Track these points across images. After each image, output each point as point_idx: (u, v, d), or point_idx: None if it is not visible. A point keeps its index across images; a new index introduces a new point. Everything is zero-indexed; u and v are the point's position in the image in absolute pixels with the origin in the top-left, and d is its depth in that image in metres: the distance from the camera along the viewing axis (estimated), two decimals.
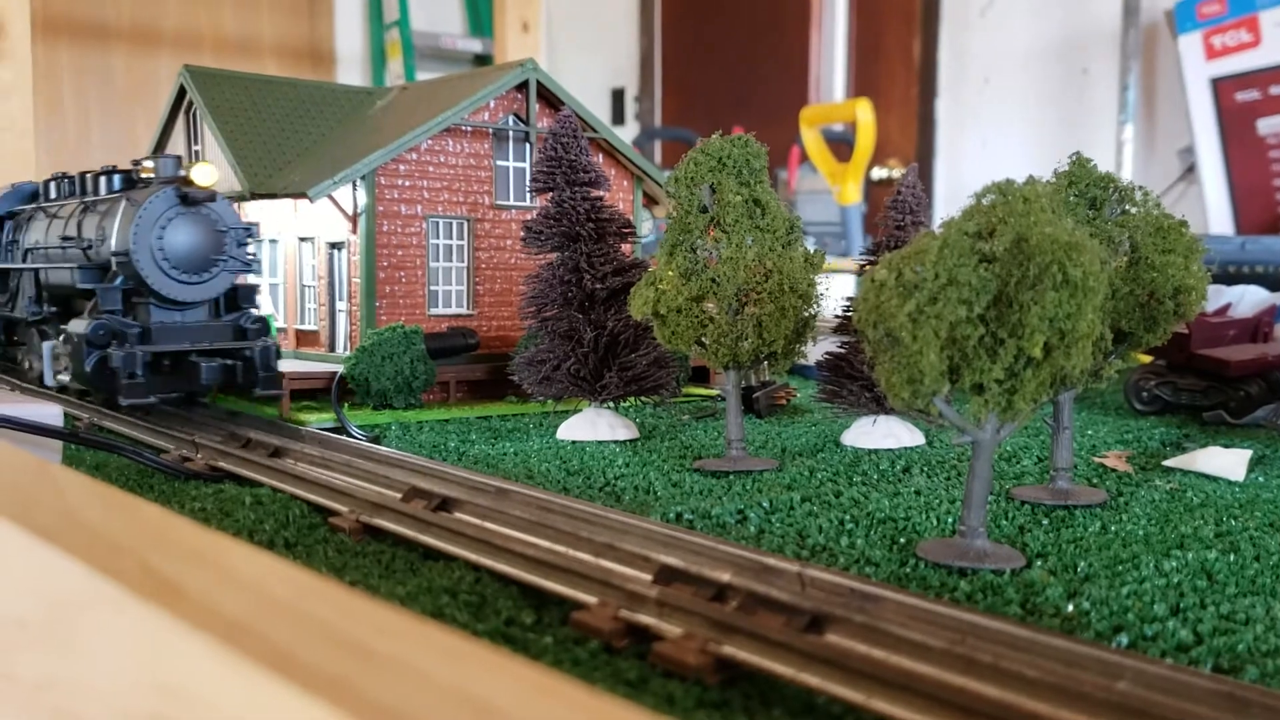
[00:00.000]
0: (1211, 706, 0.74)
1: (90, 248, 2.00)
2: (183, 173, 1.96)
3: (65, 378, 1.98)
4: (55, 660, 0.72)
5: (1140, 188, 1.44)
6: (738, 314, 1.60)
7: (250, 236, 2.01)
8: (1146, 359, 2.18)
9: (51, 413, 1.68)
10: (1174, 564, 1.15)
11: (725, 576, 0.97)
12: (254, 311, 2.04)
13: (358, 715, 0.49)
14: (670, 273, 1.64)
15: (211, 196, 1.95)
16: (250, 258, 2.02)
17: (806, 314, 1.60)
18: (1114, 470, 1.62)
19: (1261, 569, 1.15)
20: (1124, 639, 0.96)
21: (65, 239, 2.10)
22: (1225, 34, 3.87)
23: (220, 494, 1.45)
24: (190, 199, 1.93)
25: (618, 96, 6.83)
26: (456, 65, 6.82)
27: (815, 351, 1.81)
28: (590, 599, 1.00)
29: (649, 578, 1.01)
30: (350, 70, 6.95)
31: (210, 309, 2.01)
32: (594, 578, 1.02)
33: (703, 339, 1.63)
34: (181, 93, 2.56)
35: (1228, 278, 2.95)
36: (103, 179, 2.11)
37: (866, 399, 1.80)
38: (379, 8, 6.89)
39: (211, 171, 1.94)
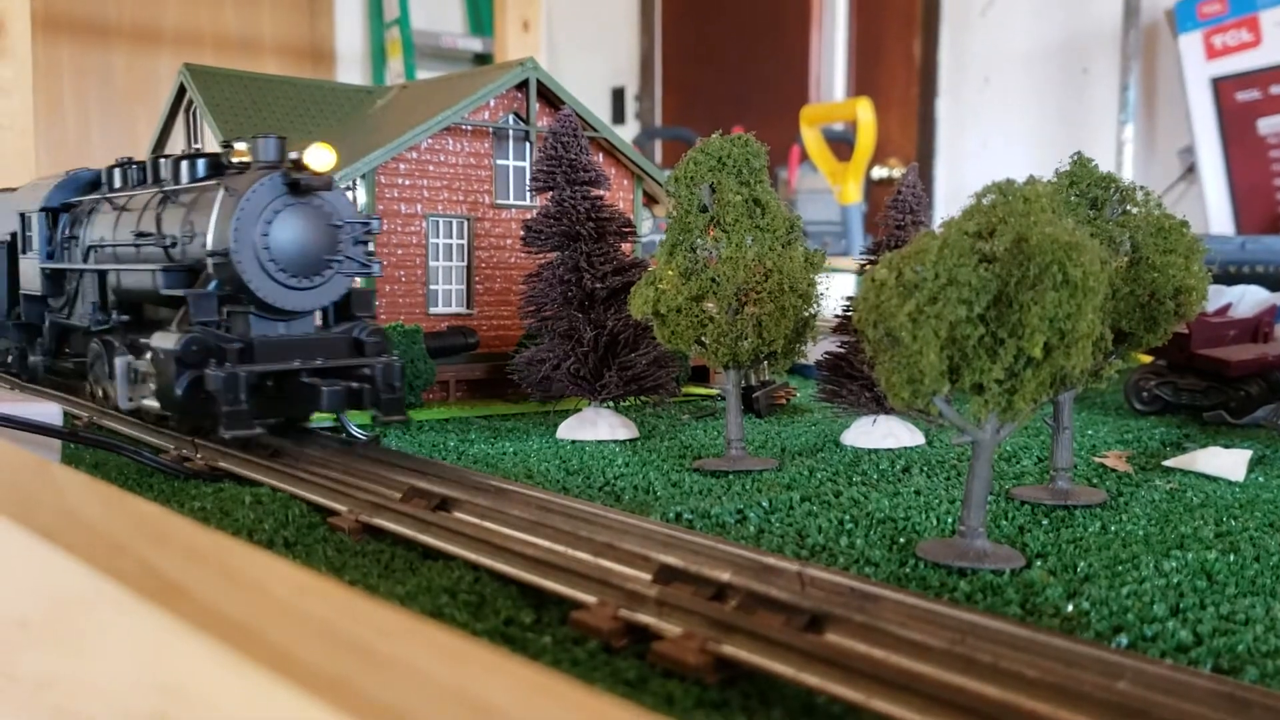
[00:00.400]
0: (1212, 707, 0.74)
1: (174, 245, 1.73)
2: (293, 155, 1.65)
3: (147, 401, 1.70)
4: (56, 659, 0.72)
5: (1141, 187, 1.44)
6: (737, 313, 1.60)
7: (369, 233, 1.73)
8: (1147, 359, 2.18)
9: (50, 411, 1.68)
10: (1174, 564, 1.15)
11: (725, 576, 0.97)
12: (370, 322, 1.74)
13: (357, 714, 0.49)
14: (670, 272, 1.64)
15: (327, 184, 1.66)
16: (369, 258, 1.74)
17: (806, 313, 1.60)
18: (1114, 470, 1.62)
19: (1261, 569, 1.15)
20: (1124, 639, 0.96)
21: (141, 235, 1.82)
22: (1226, 33, 3.87)
23: (220, 493, 1.45)
24: (301, 187, 1.63)
25: (618, 96, 6.83)
26: (457, 64, 6.82)
27: (815, 351, 1.80)
28: (590, 599, 1.00)
29: (648, 577, 1.01)
30: (350, 69, 6.95)
31: (318, 319, 1.72)
32: (593, 577, 1.02)
33: (702, 338, 1.63)
34: (181, 91, 2.56)
35: (1228, 278, 2.95)
36: (184, 164, 1.83)
37: (866, 399, 1.80)
38: (379, 6, 6.90)
39: (329, 154, 1.64)
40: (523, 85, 2.34)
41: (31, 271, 2.28)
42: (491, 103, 2.31)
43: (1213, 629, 0.98)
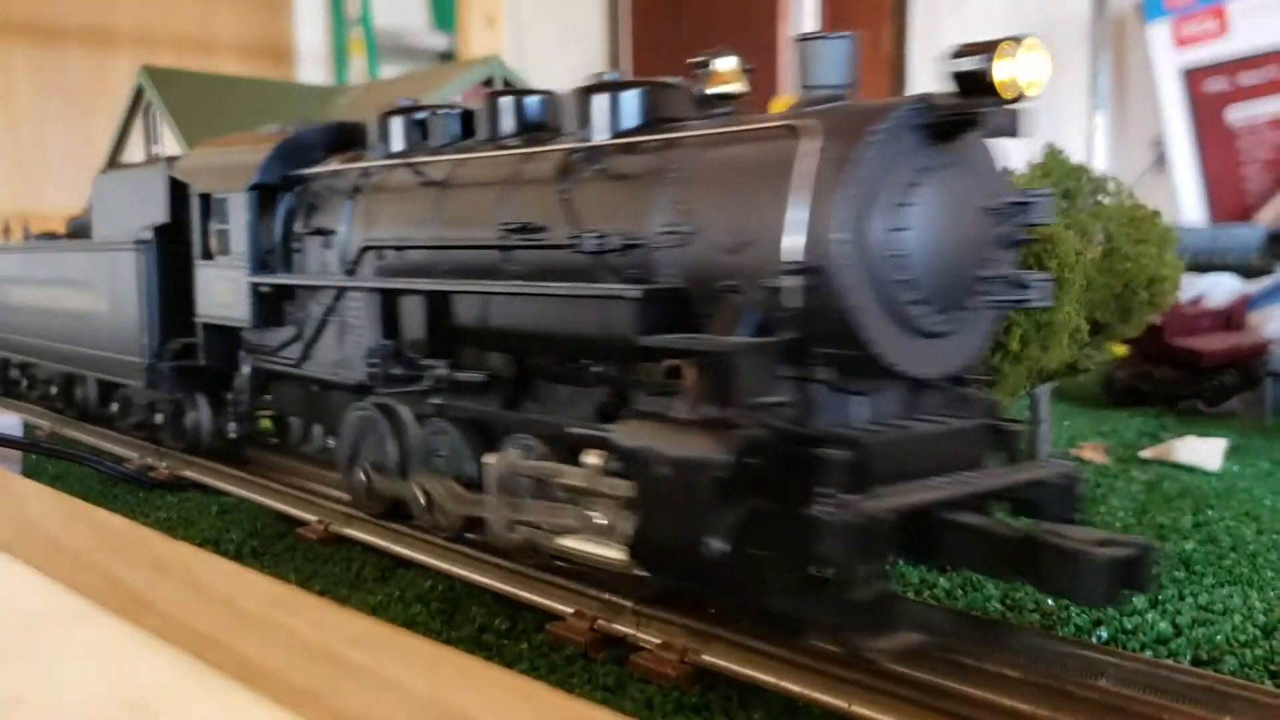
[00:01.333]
0: (1192, 701, 0.74)
1: (625, 251, 0.99)
2: (959, 63, 0.86)
3: (586, 547, 0.97)
4: (22, 676, 0.70)
5: (1113, 178, 1.44)
6: None
7: (1029, 219, 0.92)
8: (1122, 350, 2.19)
9: (10, 423, 1.65)
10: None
11: None
12: (981, 391, 0.98)
13: None
14: None
15: (1011, 124, 0.88)
16: (1020, 273, 0.91)
17: None
18: (1091, 462, 1.62)
19: (1238, 559, 1.15)
20: (1104, 633, 0.96)
21: (524, 230, 1.09)
22: (1194, 23, 3.90)
23: (185, 503, 1.43)
24: (956, 127, 0.89)
25: None
26: (421, 61, 6.78)
27: None
28: (566, 609, 0.98)
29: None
30: (312, 68, 6.89)
31: (904, 391, 0.95)
32: (570, 588, 1.00)
33: None
34: (140, 92, 2.52)
35: (1199, 267, 2.96)
36: (597, 102, 1.09)
37: None
38: (340, 4, 6.85)
39: (1041, 60, 0.85)
40: (489, 82, 2.32)
41: (227, 289, 1.50)
42: (458, 99, 2.29)
43: (1191, 620, 0.98)
